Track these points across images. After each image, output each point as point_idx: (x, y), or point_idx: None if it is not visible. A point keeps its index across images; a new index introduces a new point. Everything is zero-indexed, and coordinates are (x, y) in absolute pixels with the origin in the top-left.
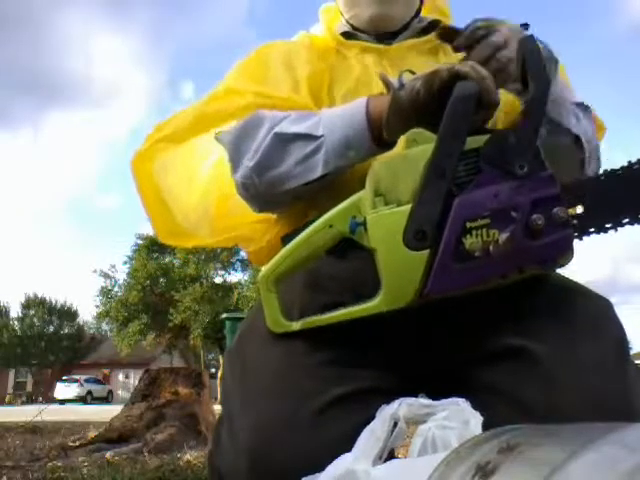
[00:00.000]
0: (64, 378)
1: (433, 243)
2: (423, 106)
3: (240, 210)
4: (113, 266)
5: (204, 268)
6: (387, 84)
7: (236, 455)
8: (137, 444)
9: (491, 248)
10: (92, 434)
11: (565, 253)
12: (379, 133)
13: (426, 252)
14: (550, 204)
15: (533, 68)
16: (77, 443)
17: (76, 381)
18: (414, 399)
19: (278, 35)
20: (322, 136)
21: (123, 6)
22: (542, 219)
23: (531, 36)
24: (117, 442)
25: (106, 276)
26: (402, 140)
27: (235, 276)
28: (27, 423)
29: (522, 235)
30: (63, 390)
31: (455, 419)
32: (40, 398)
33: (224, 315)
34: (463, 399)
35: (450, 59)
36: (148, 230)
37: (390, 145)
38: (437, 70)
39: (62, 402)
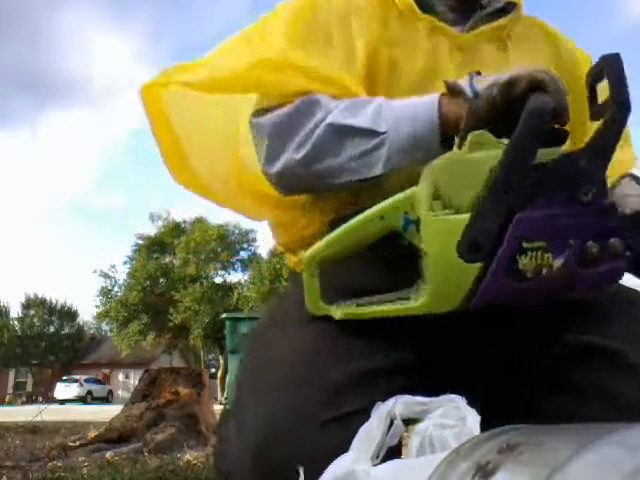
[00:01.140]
0: (64, 378)
1: (487, 257)
2: (499, 114)
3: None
4: (113, 266)
5: (204, 268)
6: (459, 92)
7: (242, 446)
8: (137, 444)
9: (544, 272)
10: (92, 434)
11: (614, 283)
12: (449, 136)
13: (479, 265)
14: (608, 234)
15: (617, 87)
16: (77, 443)
17: (76, 381)
18: (409, 396)
19: None
20: (385, 132)
21: (123, 4)
22: (597, 248)
23: (617, 54)
24: (117, 442)
25: (106, 276)
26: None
27: (235, 276)
28: (27, 423)
29: (575, 262)
30: (63, 390)
31: (452, 416)
32: (40, 398)
33: (224, 315)
34: (459, 396)
35: (518, 53)
36: (148, 230)
37: (452, 145)
38: (516, 79)
39: (62, 402)
